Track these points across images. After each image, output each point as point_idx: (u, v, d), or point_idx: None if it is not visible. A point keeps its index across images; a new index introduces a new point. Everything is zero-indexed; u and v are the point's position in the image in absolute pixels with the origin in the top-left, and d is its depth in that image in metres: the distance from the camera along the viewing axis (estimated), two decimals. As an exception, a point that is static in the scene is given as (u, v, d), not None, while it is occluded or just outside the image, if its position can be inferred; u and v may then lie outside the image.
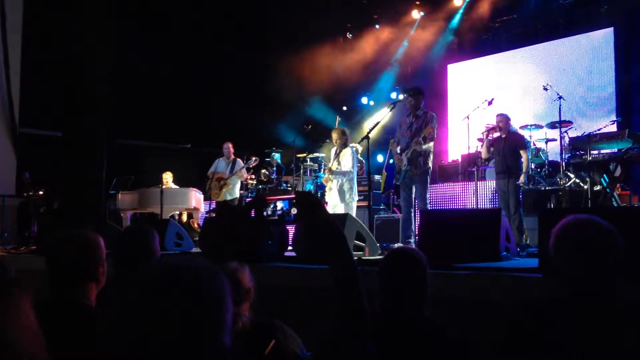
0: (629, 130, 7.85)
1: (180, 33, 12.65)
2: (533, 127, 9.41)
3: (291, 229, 6.46)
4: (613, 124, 9.02)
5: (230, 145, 10.06)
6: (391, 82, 14.30)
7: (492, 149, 7.72)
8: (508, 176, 7.30)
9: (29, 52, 11.21)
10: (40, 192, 10.87)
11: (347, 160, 7.57)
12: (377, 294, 2.41)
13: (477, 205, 7.96)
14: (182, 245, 6.70)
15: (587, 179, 7.85)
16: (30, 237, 8.98)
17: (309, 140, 11.92)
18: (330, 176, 7.64)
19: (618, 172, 7.82)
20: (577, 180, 8.21)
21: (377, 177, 9.96)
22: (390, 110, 7.79)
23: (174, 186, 10.62)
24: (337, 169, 7.61)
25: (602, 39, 11.39)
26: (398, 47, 13.83)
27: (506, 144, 7.50)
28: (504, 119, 7.65)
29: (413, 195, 6.96)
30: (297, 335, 2.24)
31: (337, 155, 7.74)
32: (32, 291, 1.50)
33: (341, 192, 7.55)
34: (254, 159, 10.06)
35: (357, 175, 7.96)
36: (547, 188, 8.47)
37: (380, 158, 12.72)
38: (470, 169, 9.41)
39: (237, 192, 9.99)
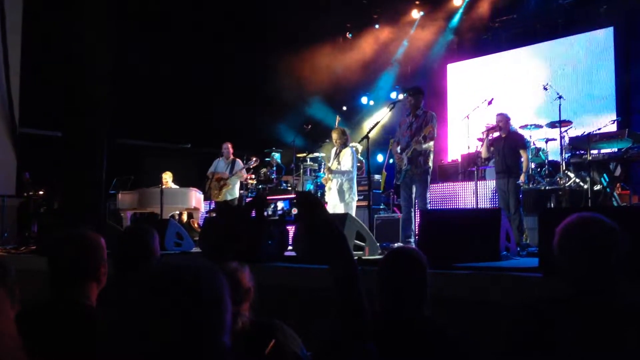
0: (628, 130, 7.86)
1: (180, 33, 12.65)
2: (533, 126, 9.41)
3: (291, 229, 6.46)
4: (613, 123, 9.02)
5: (229, 145, 10.05)
6: (391, 81, 14.30)
7: (492, 148, 7.72)
8: (508, 176, 7.30)
9: (29, 52, 11.21)
10: (41, 192, 10.87)
11: (346, 159, 7.57)
12: (377, 293, 2.41)
13: (477, 205, 7.96)
14: (182, 245, 6.70)
15: (587, 179, 7.85)
16: (30, 237, 8.98)
17: (308, 140, 11.92)
18: (329, 175, 7.63)
19: (618, 172, 7.82)
20: (577, 180, 8.21)
21: (377, 176, 9.96)
22: (390, 110, 7.79)
23: (173, 186, 10.62)
24: (337, 168, 7.61)
25: (602, 38, 11.39)
26: (398, 47, 13.83)
27: (506, 144, 7.50)
28: (504, 119, 7.65)
29: (413, 195, 6.96)
30: (297, 335, 2.24)
31: (337, 155, 7.74)
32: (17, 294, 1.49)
33: (341, 191, 7.54)
34: (254, 159, 10.06)
35: (357, 175, 7.96)
36: (547, 188, 8.47)
37: (380, 158, 12.72)
38: (470, 168, 9.41)
39: (237, 192, 9.99)
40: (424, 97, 7.30)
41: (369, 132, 6.98)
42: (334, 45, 13.88)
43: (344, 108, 14.26)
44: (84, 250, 2.41)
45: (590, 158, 7.85)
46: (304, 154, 10.83)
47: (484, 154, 8.00)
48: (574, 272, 2.03)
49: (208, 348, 1.12)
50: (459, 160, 10.68)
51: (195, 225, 10.10)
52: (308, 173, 10.82)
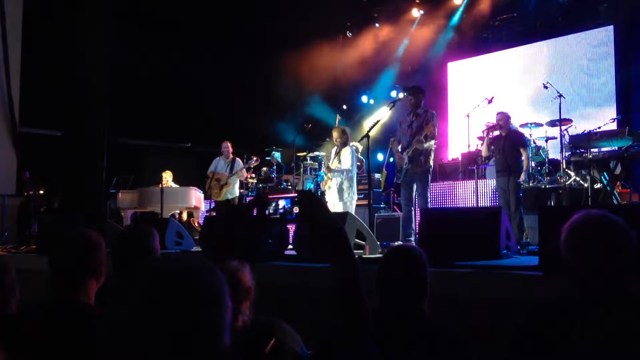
0: (629, 128, 7.86)
1: (181, 32, 12.65)
2: (533, 125, 9.41)
3: (291, 228, 6.46)
4: (613, 121, 9.01)
5: (229, 144, 10.03)
6: (391, 80, 14.30)
7: (492, 147, 7.72)
8: (508, 174, 7.30)
9: (29, 52, 11.21)
10: (41, 192, 10.89)
11: (346, 158, 7.56)
12: (378, 292, 2.41)
13: (478, 203, 7.96)
14: (182, 244, 6.71)
15: (588, 177, 7.85)
16: (31, 237, 9.00)
17: (309, 139, 11.92)
18: (329, 175, 7.64)
19: (618, 170, 7.82)
20: (578, 179, 8.21)
21: (377, 175, 9.96)
22: (390, 109, 7.78)
23: (174, 185, 10.62)
24: (337, 167, 7.62)
25: (602, 36, 11.38)
26: (398, 46, 13.82)
27: (506, 142, 7.50)
28: (504, 117, 7.65)
29: (414, 194, 6.96)
30: (297, 334, 2.24)
31: (337, 154, 7.74)
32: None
33: (340, 190, 7.54)
34: (254, 159, 10.05)
35: (357, 174, 7.96)
36: (547, 186, 8.47)
37: (380, 157, 12.72)
38: (470, 167, 9.41)
39: (237, 191, 9.99)
40: (424, 96, 7.29)
41: (369, 131, 6.97)
42: (335, 44, 13.88)
43: (344, 107, 14.27)
44: (84, 249, 2.41)
45: (591, 156, 7.85)
46: (304, 153, 10.83)
47: (484, 153, 8.00)
48: (585, 272, 1.98)
49: (207, 347, 1.12)
50: (460, 158, 10.68)
51: (196, 224, 10.11)
52: (308, 172, 10.83)
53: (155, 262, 1.22)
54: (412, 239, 6.67)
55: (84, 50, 7.71)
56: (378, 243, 5.79)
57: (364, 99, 14.82)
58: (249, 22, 12.89)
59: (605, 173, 7.80)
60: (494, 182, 7.88)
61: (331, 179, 7.62)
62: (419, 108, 7.11)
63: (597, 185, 7.86)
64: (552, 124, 9.08)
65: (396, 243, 6.63)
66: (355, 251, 5.05)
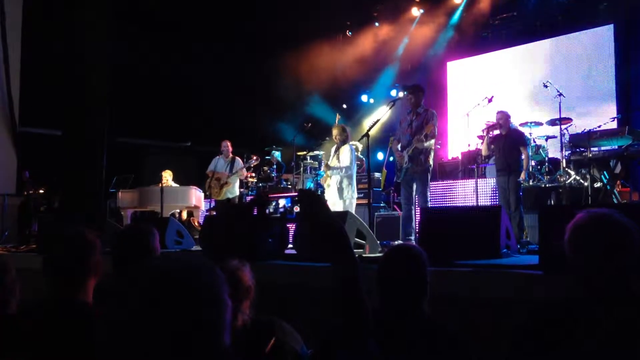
0: (629, 127, 7.86)
1: (180, 33, 12.65)
2: (533, 124, 9.40)
3: (291, 227, 6.46)
4: (613, 120, 9.01)
5: (228, 144, 10.01)
6: (391, 79, 14.30)
7: (492, 146, 7.72)
8: (508, 173, 7.30)
9: (29, 52, 11.22)
10: (41, 191, 10.88)
11: (345, 156, 7.56)
12: (378, 291, 2.41)
13: (478, 202, 7.95)
14: (182, 243, 6.71)
15: (588, 176, 7.85)
16: (31, 236, 8.99)
17: (309, 138, 11.93)
18: (328, 172, 7.64)
19: (618, 169, 7.81)
20: (578, 177, 8.21)
21: (377, 174, 9.97)
22: (390, 109, 7.78)
23: (173, 184, 10.62)
24: (335, 165, 7.62)
25: (602, 35, 11.37)
26: (398, 45, 13.83)
27: (506, 141, 7.50)
28: (504, 116, 7.65)
29: (414, 193, 6.96)
30: (297, 333, 2.24)
31: (336, 151, 7.74)
32: None
33: (340, 189, 7.54)
34: (254, 158, 10.05)
35: (358, 173, 7.96)
36: (547, 185, 8.47)
37: (380, 156, 12.73)
38: (470, 166, 9.41)
39: (237, 191, 9.98)
40: (424, 95, 7.29)
41: (369, 130, 6.97)
42: (334, 43, 13.88)
43: (344, 106, 14.27)
44: (82, 248, 2.41)
45: (591, 155, 7.84)
46: (304, 152, 10.83)
47: (484, 152, 8.00)
48: (589, 271, 1.97)
49: (207, 347, 1.12)
50: (460, 157, 10.68)
51: (196, 223, 10.10)
52: (308, 171, 10.83)
53: (156, 262, 1.22)
54: (412, 238, 6.67)
55: (84, 50, 7.71)
56: (378, 242, 5.79)
57: (364, 98, 14.82)
58: (249, 22, 12.89)
59: (605, 172, 7.80)
60: (494, 181, 7.88)
61: (330, 177, 7.63)
62: (419, 107, 7.11)
63: (597, 184, 7.86)
64: (552, 122, 9.08)
65: (396, 242, 6.63)
66: (355, 250, 5.05)
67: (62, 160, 7.91)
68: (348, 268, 1.76)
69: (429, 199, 6.97)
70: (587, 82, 11.39)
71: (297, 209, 8.86)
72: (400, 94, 12.57)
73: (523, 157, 7.51)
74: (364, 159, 9.66)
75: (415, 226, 6.80)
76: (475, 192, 7.98)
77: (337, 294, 1.77)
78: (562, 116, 8.71)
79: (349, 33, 14.23)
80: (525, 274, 3.73)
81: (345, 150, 7.60)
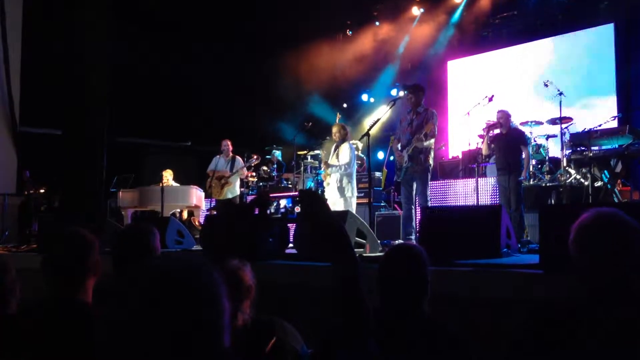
0: (629, 126, 7.84)
1: (180, 33, 12.65)
2: (533, 123, 9.40)
3: (292, 226, 6.45)
4: (614, 120, 8.99)
5: (229, 143, 10.01)
6: (391, 78, 14.29)
7: (492, 145, 7.72)
8: (509, 172, 7.30)
9: (29, 52, 11.22)
10: (41, 191, 10.88)
11: (345, 154, 7.57)
12: (378, 291, 2.41)
13: (478, 201, 7.95)
14: (183, 243, 6.71)
15: (588, 175, 7.84)
16: (31, 236, 9.00)
17: (309, 137, 11.92)
18: (327, 170, 7.64)
19: (619, 168, 7.80)
20: (578, 177, 8.20)
21: (377, 174, 9.97)
22: (390, 108, 7.78)
23: (174, 184, 10.62)
24: (335, 163, 7.62)
25: (603, 35, 11.38)
26: (398, 44, 13.82)
27: (507, 141, 7.50)
28: (504, 115, 7.65)
29: (414, 192, 6.96)
30: (297, 333, 2.24)
31: (336, 149, 7.74)
32: None
33: (340, 188, 7.54)
34: (255, 157, 10.05)
35: (358, 172, 7.96)
36: (547, 184, 8.47)
37: (380, 155, 12.72)
38: (470, 165, 9.40)
39: (237, 190, 9.98)
40: (424, 94, 7.29)
41: (369, 130, 6.97)
42: (334, 42, 13.88)
43: (345, 105, 14.27)
44: (82, 248, 2.41)
45: (591, 154, 7.83)
46: (305, 152, 10.83)
47: (484, 151, 8.00)
48: (594, 271, 1.95)
49: (207, 347, 1.12)
50: (460, 157, 10.68)
51: (196, 223, 10.11)
52: (309, 170, 10.83)
53: (156, 262, 1.22)
54: (413, 237, 6.67)
55: (84, 50, 7.70)
56: (378, 242, 5.79)
57: (364, 97, 14.81)
58: (249, 22, 12.89)
59: (605, 171, 7.79)
60: (495, 180, 7.88)
61: (329, 175, 7.63)
62: (420, 106, 7.11)
63: (598, 183, 7.85)
64: (552, 122, 9.07)
65: (396, 241, 6.63)
66: (355, 250, 5.05)
67: (62, 160, 7.91)
68: (348, 267, 1.76)
69: (429, 198, 6.97)
70: (588, 81, 11.38)
71: (298, 209, 8.86)
72: (401, 93, 12.56)
73: (523, 156, 7.51)
74: (364, 158, 9.66)
75: (416, 225, 6.80)
76: (475, 192, 7.97)
77: (337, 294, 1.76)
78: (563, 115, 8.71)
79: (349, 32, 14.22)
80: (526, 273, 3.72)
81: (344, 148, 7.61)
